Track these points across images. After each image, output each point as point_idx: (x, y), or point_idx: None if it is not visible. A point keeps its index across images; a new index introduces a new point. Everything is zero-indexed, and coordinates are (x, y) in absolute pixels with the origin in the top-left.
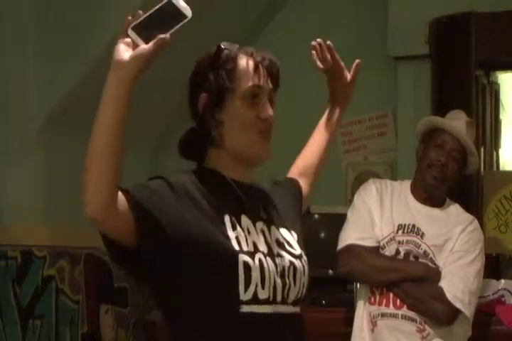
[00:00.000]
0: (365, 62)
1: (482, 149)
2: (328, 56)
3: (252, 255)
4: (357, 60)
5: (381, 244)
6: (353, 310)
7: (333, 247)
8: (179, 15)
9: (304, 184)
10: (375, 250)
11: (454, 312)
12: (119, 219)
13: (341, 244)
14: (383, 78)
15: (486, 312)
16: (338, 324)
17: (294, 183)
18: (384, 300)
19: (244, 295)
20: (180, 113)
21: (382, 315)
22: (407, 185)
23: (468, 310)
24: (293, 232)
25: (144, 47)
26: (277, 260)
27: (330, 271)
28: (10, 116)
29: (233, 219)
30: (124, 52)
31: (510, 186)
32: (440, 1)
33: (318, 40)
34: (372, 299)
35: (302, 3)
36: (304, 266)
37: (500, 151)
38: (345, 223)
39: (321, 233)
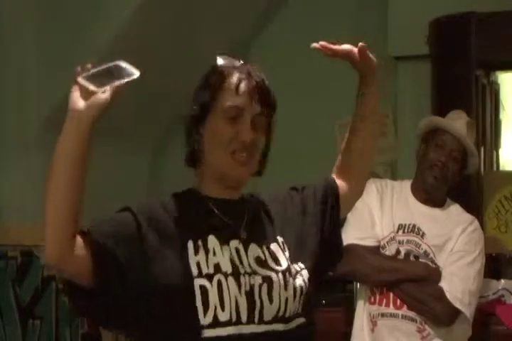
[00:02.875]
0: None
1: (482, 149)
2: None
3: (210, 277)
4: (360, 44)
5: (381, 243)
6: (353, 310)
7: None
8: (128, 73)
9: (342, 182)
10: (376, 250)
11: (454, 313)
12: (76, 262)
13: None
14: (383, 78)
15: (486, 312)
16: (338, 324)
17: (325, 185)
18: (384, 300)
19: (205, 320)
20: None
21: (382, 314)
22: (407, 185)
23: (468, 310)
24: (286, 246)
25: (100, 96)
26: (243, 279)
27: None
28: (10, 116)
29: (198, 242)
30: (78, 100)
31: (510, 186)
32: (440, 1)
33: (315, 45)
34: (373, 299)
35: (302, 3)
36: (287, 281)
37: (500, 151)
38: (346, 223)
39: None
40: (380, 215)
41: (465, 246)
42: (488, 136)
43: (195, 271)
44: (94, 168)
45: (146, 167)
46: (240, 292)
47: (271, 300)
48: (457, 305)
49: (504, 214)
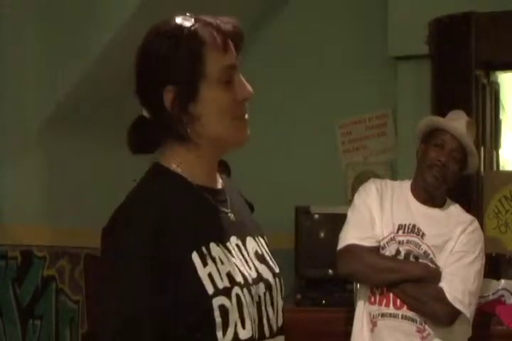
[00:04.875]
0: (365, 62)
1: (482, 149)
2: None
3: (228, 292)
4: None
5: (381, 244)
6: (353, 310)
7: (333, 247)
8: None
9: None
10: (375, 250)
11: (454, 313)
12: None
13: (341, 244)
14: (383, 78)
15: (486, 312)
16: (338, 324)
17: None
18: (384, 300)
19: (224, 339)
20: None
21: (383, 315)
22: (407, 185)
23: (468, 310)
24: (263, 240)
25: None
26: (253, 289)
27: (330, 271)
28: (10, 116)
29: (202, 250)
30: None
31: (510, 186)
32: (440, 1)
33: None
34: (373, 299)
35: (302, 3)
36: (281, 287)
37: (500, 151)
38: (346, 223)
39: (321, 233)
40: (379, 215)
41: (465, 246)
42: (488, 136)
43: (210, 288)
44: (93, 168)
45: (146, 167)
46: (253, 305)
47: (273, 311)
48: (457, 305)
49: (504, 214)
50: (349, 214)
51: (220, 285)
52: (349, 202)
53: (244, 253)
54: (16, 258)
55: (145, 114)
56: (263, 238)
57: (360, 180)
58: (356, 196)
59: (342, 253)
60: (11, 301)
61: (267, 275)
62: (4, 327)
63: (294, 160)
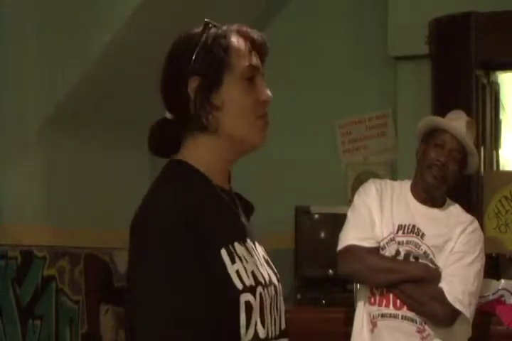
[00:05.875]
0: (365, 62)
1: (482, 149)
2: None
3: (253, 290)
4: None
5: (381, 244)
6: (353, 310)
7: (333, 247)
8: None
9: None
10: (375, 251)
11: (454, 314)
12: None
13: (341, 244)
14: (383, 78)
15: (486, 312)
16: (338, 324)
17: None
18: (384, 301)
19: (246, 337)
20: None
21: (382, 315)
22: (407, 185)
23: (468, 310)
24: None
25: None
26: (269, 290)
27: (330, 271)
28: (10, 116)
29: (230, 248)
30: None
31: (510, 186)
32: (440, 1)
33: None
34: (373, 299)
35: (302, 3)
36: (281, 290)
37: (500, 151)
38: (345, 223)
39: (321, 233)
40: (379, 216)
41: (465, 246)
42: (488, 136)
43: (238, 284)
44: (93, 168)
45: (146, 167)
46: (270, 305)
47: (278, 313)
48: (457, 305)
49: (504, 214)
50: (349, 214)
51: (247, 283)
52: (349, 202)
53: (257, 255)
54: (16, 258)
55: (167, 115)
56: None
57: (360, 180)
58: (356, 196)
59: (342, 253)
60: (11, 301)
61: (274, 279)
62: (4, 327)
63: (294, 160)
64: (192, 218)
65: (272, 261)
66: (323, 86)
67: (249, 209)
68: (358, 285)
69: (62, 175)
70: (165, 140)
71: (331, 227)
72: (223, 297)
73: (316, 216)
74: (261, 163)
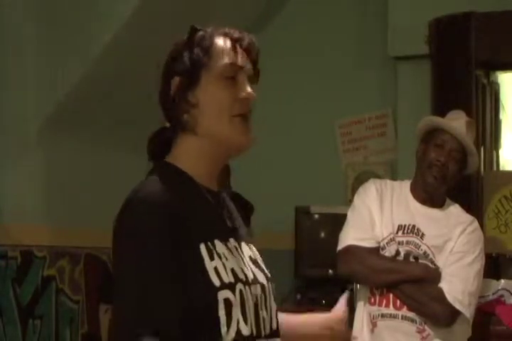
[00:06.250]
0: (365, 62)
1: (482, 149)
2: None
3: (232, 287)
4: None
5: (381, 244)
6: (353, 311)
7: (333, 247)
8: None
9: None
10: (375, 251)
11: (454, 314)
12: None
13: (341, 244)
14: (383, 78)
15: (486, 312)
16: None
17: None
18: (384, 301)
19: (228, 335)
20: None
21: (382, 315)
22: (407, 185)
23: (468, 311)
24: (254, 247)
25: None
26: (252, 289)
27: (330, 271)
28: (10, 116)
29: (209, 245)
30: None
31: (510, 186)
32: (440, 1)
33: None
34: (373, 299)
35: (302, 3)
36: (273, 291)
37: (500, 151)
38: (345, 223)
39: (321, 233)
40: (379, 216)
41: (465, 246)
42: (488, 136)
43: (216, 281)
44: (92, 168)
45: (146, 167)
46: (253, 303)
47: (267, 312)
48: (457, 305)
49: (504, 214)
50: (349, 214)
51: (226, 280)
52: (349, 202)
53: (241, 255)
54: (16, 258)
55: (167, 124)
56: (254, 247)
57: (360, 180)
58: (356, 196)
59: (342, 253)
60: (11, 301)
61: (262, 278)
62: (4, 327)
63: (294, 160)
64: (172, 215)
65: (272, 261)
66: (323, 86)
67: (248, 209)
68: (358, 286)
69: (62, 175)
70: (160, 145)
71: (331, 227)
72: (200, 294)
73: (316, 216)
74: (261, 163)
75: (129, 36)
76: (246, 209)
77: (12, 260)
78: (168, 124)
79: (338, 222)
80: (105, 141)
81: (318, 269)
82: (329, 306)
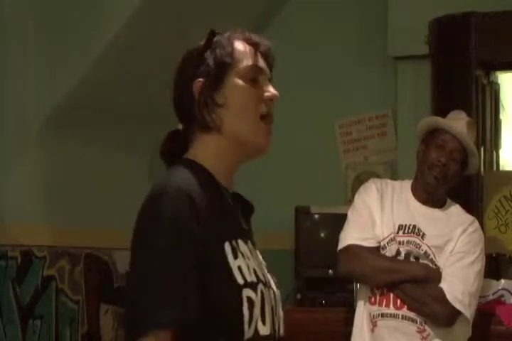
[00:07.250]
0: (365, 62)
1: (482, 149)
2: None
3: (255, 287)
4: None
5: (382, 244)
6: (353, 310)
7: (333, 247)
8: None
9: None
10: (376, 250)
11: (454, 314)
12: None
13: (341, 244)
14: (383, 78)
15: (486, 312)
16: (338, 324)
17: None
18: (384, 301)
19: (248, 333)
20: None
21: (383, 315)
22: (407, 185)
23: (468, 311)
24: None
25: None
26: (270, 291)
27: (330, 271)
28: (10, 116)
29: (233, 243)
30: None
31: (510, 186)
32: (440, 1)
33: None
34: (373, 299)
35: (303, 3)
36: (280, 298)
37: (500, 151)
38: (346, 223)
39: (321, 233)
40: (380, 216)
41: (465, 246)
42: (488, 136)
43: (240, 279)
44: (92, 168)
45: (146, 167)
46: (270, 304)
47: (278, 318)
48: (457, 306)
49: (504, 215)
50: (349, 214)
51: (249, 279)
52: (349, 202)
53: (258, 257)
54: (16, 258)
55: (179, 126)
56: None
57: (360, 180)
58: (356, 196)
59: (342, 253)
60: (11, 301)
61: (273, 284)
62: (4, 327)
63: (294, 160)
64: (196, 211)
65: (272, 261)
66: (323, 86)
67: (249, 209)
68: (358, 285)
69: (62, 175)
70: (174, 148)
71: (331, 227)
72: (225, 290)
73: (316, 216)
74: (261, 162)
75: (129, 36)
76: (246, 209)
77: (12, 260)
78: (181, 126)
79: (338, 222)
80: (105, 141)
81: (318, 269)
82: (329, 306)
